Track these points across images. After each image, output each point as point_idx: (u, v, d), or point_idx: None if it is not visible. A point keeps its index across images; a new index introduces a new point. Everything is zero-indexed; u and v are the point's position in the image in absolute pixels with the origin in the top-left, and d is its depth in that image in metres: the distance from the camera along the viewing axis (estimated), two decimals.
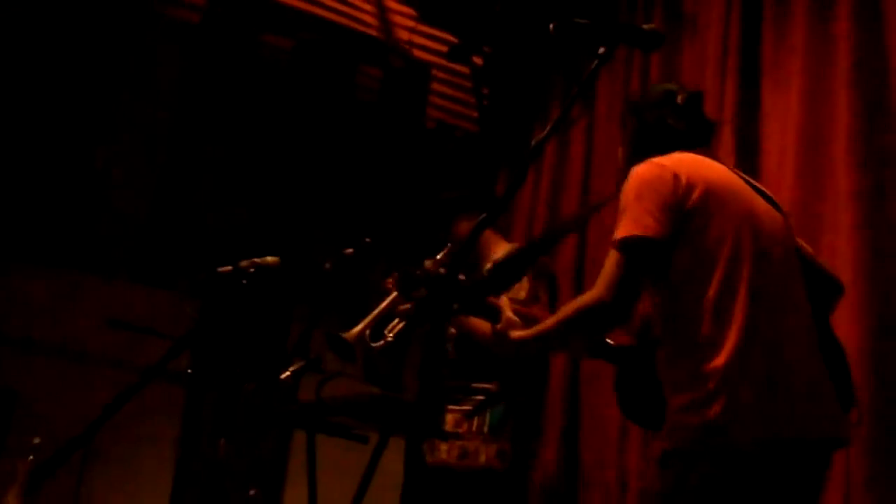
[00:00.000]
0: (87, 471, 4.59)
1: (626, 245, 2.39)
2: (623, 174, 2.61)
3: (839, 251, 3.64)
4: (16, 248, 5.38)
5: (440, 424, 3.64)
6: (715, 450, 2.26)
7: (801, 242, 2.74)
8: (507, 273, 3.17)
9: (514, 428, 3.65)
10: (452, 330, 3.75)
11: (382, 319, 3.41)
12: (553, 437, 4.96)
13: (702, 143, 2.70)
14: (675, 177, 2.42)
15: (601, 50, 2.35)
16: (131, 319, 4.92)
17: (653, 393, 2.52)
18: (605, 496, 4.58)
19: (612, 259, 2.41)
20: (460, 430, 3.65)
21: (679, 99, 2.72)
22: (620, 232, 2.41)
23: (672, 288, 2.42)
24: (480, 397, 3.67)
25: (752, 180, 2.67)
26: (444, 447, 3.63)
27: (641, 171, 2.49)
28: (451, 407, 3.71)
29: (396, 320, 3.53)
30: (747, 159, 4.20)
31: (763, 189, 2.66)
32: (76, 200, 5.70)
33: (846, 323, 3.33)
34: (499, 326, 2.67)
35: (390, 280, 3.75)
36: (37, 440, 4.70)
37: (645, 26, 2.45)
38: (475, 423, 3.65)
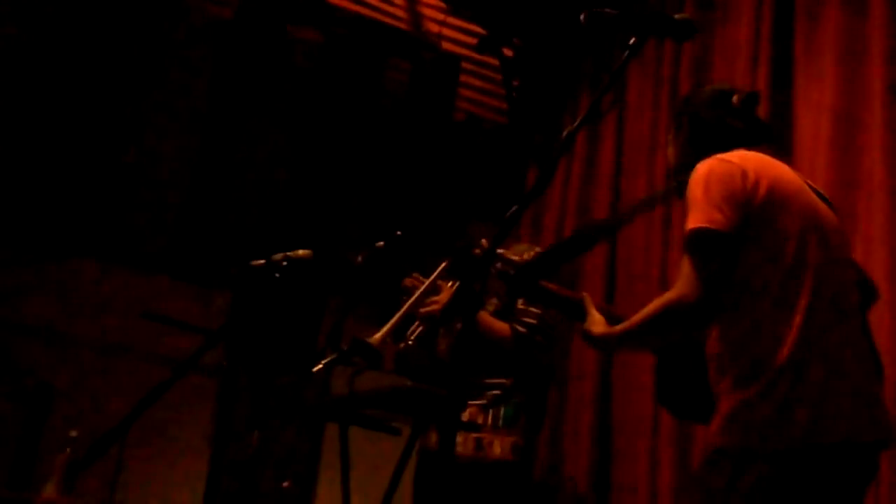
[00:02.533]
0: (123, 464, 4.62)
1: (696, 238, 2.38)
2: (676, 173, 2.60)
3: (874, 241, 3.62)
4: (50, 243, 5.43)
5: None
6: (771, 449, 2.25)
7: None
8: (554, 259, 3.16)
9: (526, 422, 3.69)
10: (458, 326, 3.77)
11: (405, 321, 3.43)
12: (584, 434, 4.96)
13: (760, 142, 2.69)
14: (743, 172, 2.42)
15: (632, 40, 2.34)
16: (165, 313, 4.95)
17: (694, 383, 2.51)
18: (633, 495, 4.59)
19: (686, 258, 2.40)
20: (478, 422, 3.69)
21: (735, 99, 2.72)
22: (689, 224, 2.40)
23: (737, 283, 2.39)
24: (496, 392, 3.70)
25: (811, 183, 2.65)
26: (459, 439, 3.65)
27: (707, 165, 2.48)
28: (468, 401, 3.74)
29: (417, 322, 3.55)
30: (780, 149, 4.17)
31: (821, 192, 2.65)
32: (110, 195, 5.74)
33: (878, 316, 3.28)
34: (584, 324, 2.68)
35: (409, 279, 3.77)
36: (74, 433, 4.76)
37: (677, 16, 2.44)
38: (490, 416, 3.68)
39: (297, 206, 6.21)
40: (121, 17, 5.89)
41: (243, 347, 5.00)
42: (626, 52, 2.34)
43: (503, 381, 3.73)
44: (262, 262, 3.36)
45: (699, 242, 2.38)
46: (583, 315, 2.73)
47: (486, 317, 3.75)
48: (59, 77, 5.64)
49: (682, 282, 2.37)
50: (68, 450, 4.78)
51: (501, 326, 3.72)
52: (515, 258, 2.91)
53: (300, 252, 3.37)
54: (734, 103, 2.71)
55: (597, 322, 2.66)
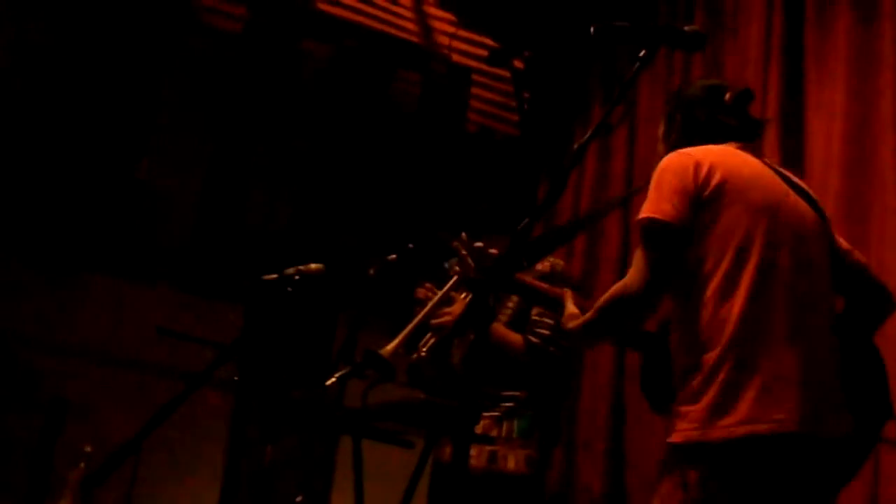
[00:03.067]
0: (138, 478, 4.63)
1: (644, 229, 2.42)
2: None
3: (886, 244, 3.61)
4: (64, 259, 5.45)
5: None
6: (709, 441, 2.25)
7: (855, 252, 2.71)
8: (539, 249, 3.18)
9: (540, 435, 3.68)
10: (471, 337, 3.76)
11: (416, 332, 3.42)
12: (598, 444, 4.95)
13: (749, 139, 2.70)
14: (697, 165, 2.44)
15: (642, 52, 2.35)
16: (178, 328, 4.96)
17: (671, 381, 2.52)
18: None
19: (638, 248, 2.45)
20: (492, 435, 3.67)
21: (727, 96, 2.72)
22: (640, 214, 2.45)
23: (686, 275, 2.42)
24: (510, 404, 3.69)
25: (794, 178, 2.64)
26: (473, 451, 3.64)
27: (668, 158, 2.52)
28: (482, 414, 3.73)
29: (429, 334, 3.54)
30: (793, 157, 4.17)
31: (805, 188, 2.63)
32: (122, 209, 5.76)
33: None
34: (562, 320, 2.74)
35: (421, 290, 3.77)
36: (88, 448, 4.77)
37: (686, 27, 2.45)
38: (504, 428, 3.67)
39: (309, 218, 6.22)
40: (132, 32, 5.92)
41: (256, 362, 5.01)
42: (637, 64, 2.35)
43: (517, 393, 3.71)
44: (275, 276, 3.37)
45: (647, 233, 2.42)
46: (560, 309, 2.78)
47: (499, 328, 3.73)
48: (71, 92, 5.67)
49: (630, 272, 2.43)
50: (82, 464, 4.79)
51: (515, 338, 3.71)
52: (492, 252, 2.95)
53: (312, 266, 3.37)
54: (726, 100, 2.72)
55: (569, 317, 2.71)
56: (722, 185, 2.42)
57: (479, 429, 3.68)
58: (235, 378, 3.92)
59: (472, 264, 3.07)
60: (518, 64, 6.73)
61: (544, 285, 2.97)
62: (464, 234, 3.27)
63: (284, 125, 6.32)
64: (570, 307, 2.74)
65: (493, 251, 3.05)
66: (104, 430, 4.96)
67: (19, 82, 5.52)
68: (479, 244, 3.11)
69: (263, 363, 5.15)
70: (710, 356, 2.31)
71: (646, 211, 2.44)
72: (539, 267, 3.84)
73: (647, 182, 2.53)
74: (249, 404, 5.26)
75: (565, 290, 2.86)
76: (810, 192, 2.64)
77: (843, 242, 2.71)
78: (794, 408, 2.24)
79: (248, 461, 5.16)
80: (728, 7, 4.93)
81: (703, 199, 2.41)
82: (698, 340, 2.35)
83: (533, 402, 3.71)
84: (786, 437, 2.23)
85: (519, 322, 3.77)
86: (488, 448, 3.65)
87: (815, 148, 4.13)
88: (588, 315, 2.57)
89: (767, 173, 2.56)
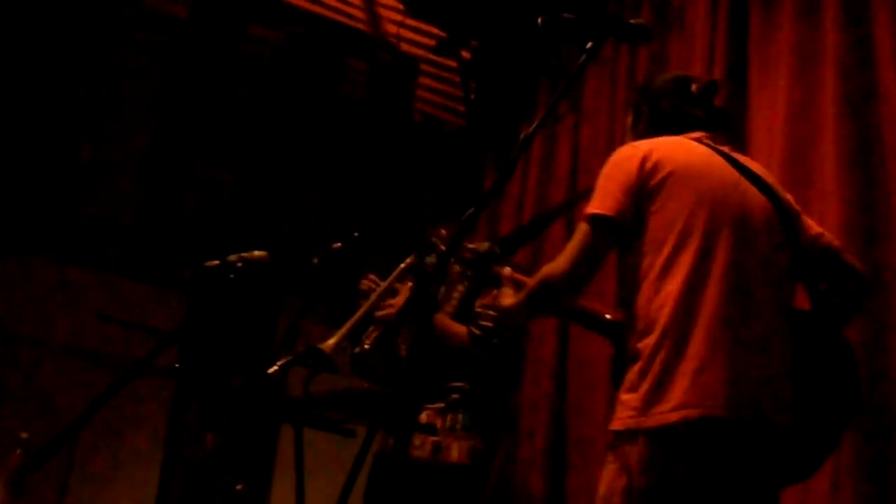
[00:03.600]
0: (74, 465, 4.57)
1: (588, 222, 2.45)
2: None
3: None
4: (3, 243, 5.36)
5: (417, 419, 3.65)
6: (645, 428, 2.28)
7: (826, 235, 2.72)
8: (507, 248, 3.20)
9: (484, 426, 3.68)
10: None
11: (361, 324, 3.41)
12: (539, 435, 4.98)
13: (714, 129, 2.71)
14: (645, 157, 2.46)
15: (589, 44, 2.36)
16: (119, 314, 4.91)
17: None
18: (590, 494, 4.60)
19: (576, 233, 2.46)
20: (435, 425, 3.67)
21: (694, 87, 2.74)
22: (586, 209, 2.47)
23: (628, 266, 2.46)
24: (455, 396, 3.69)
25: (752, 167, 2.65)
26: (416, 442, 3.64)
27: (616, 153, 2.55)
28: (425, 405, 3.72)
29: (372, 327, 3.53)
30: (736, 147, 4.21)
31: (762, 176, 2.63)
32: (63, 194, 5.68)
33: None
34: (493, 299, 2.81)
35: (365, 281, 3.75)
36: (24, 435, 4.70)
37: (632, 20, 2.46)
38: (448, 420, 3.66)
39: (253, 206, 6.17)
40: (76, 15, 5.83)
41: (198, 349, 4.96)
42: (584, 56, 2.36)
43: (462, 384, 3.71)
44: (217, 262, 3.34)
45: (588, 225, 2.44)
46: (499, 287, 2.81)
47: (443, 319, 3.73)
48: (11, 73, 5.57)
49: (561, 255, 2.45)
50: (18, 451, 4.73)
51: (459, 330, 3.71)
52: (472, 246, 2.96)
53: (256, 253, 3.34)
54: (693, 91, 2.74)
55: (504, 295, 2.75)
56: (667, 175, 2.43)
57: (423, 420, 3.67)
58: (176, 365, 3.88)
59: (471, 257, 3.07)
60: (465, 54, 6.77)
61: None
62: (443, 230, 3.28)
63: (229, 112, 6.26)
64: (506, 287, 2.78)
65: (472, 245, 3.05)
66: (41, 416, 4.90)
67: None
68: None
69: (205, 350, 5.11)
70: (648, 343, 2.33)
71: (592, 206, 2.45)
72: (472, 246, 3.85)
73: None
74: (190, 392, 5.22)
75: (505, 268, 2.87)
76: (769, 180, 2.64)
77: (813, 227, 2.71)
78: (725, 392, 2.25)
79: (188, 449, 5.12)
80: (675, 2, 4.96)
81: (647, 190, 2.42)
82: (639, 328, 2.38)
83: (477, 394, 3.71)
84: (717, 421, 2.25)
85: (463, 314, 3.77)
86: (432, 439, 3.65)
87: (757, 140, 4.18)
88: (518, 297, 2.60)
89: (718, 162, 2.56)
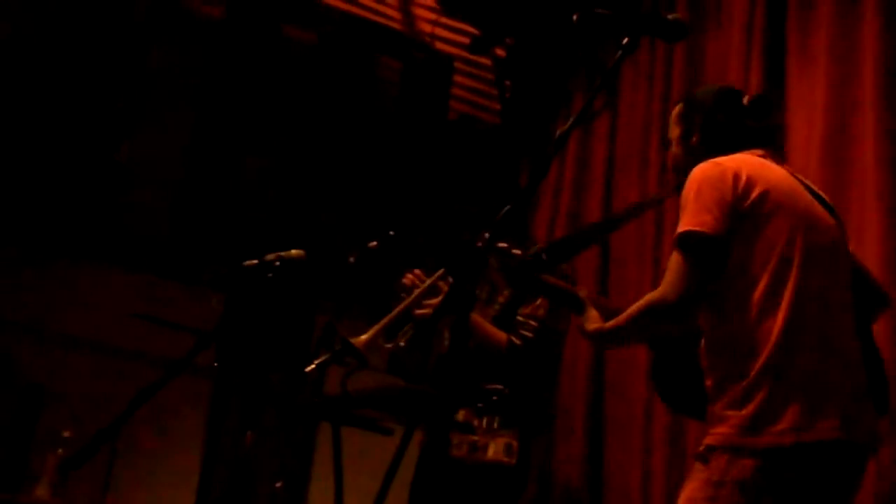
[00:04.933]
0: (115, 463, 4.61)
1: (685, 241, 2.43)
2: (683, 173, 2.62)
3: (866, 242, 3.61)
4: (41, 243, 5.41)
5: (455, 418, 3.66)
6: (753, 447, 2.28)
7: (857, 255, 2.74)
8: (559, 254, 3.18)
9: (522, 425, 3.68)
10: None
11: (399, 321, 3.42)
12: (577, 438, 4.97)
13: (769, 143, 2.73)
14: (736, 176, 2.46)
15: (625, 40, 2.36)
16: (157, 313, 4.93)
17: (691, 380, 2.53)
18: (626, 498, 4.60)
19: (674, 258, 2.45)
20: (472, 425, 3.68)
21: (746, 100, 2.75)
22: (679, 227, 2.46)
23: (725, 284, 2.44)
24: (494, 397, 3.69)
25: (810, 184, 2.67)
26: (454, 441, 3.65)
27: (702, 169, 2.52)
28: (462, 405, 3.73)
29: (409, 325, 3.54)
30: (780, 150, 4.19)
31: (821, 194, 2.66)
32: (101, 195, 5.72)
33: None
34: (581, 320, 2.75)
35: (409, 276, 3.76)
36: (65, 434, 4.75)
37: (669, 16, 2.46)
38: (485, 420, 3.67)
39: (290, 205, 6.20)
40: (114, 17, 5.88)
41: (236, 348, 4.99)
42: (619, 52, 2.35)
43: (500, 387, 3.71)
44: (255, 261, 3.36)
45: (687, 244, 2.43)
46: (581, 309, 2.77)
47: (483, 323, 3.73)
48: (51, 75, 5.63)
49: (666, 281, 2.43)
50: (60, 450, 4.78)
51: (498, 336, 3.71)
52: (517, 252, 2.94)
53: (293, 252, 3.36)
54: (745, 104, 2.74)
55: (591, 319, 2.71)
56: (763, 196, 2.44)
57: (460, 419, 3.68)
58: (215, 364, 3.91)
59: (497, 264, 3.06)
60: (500, 52, 6.76)
61: (567, 285, 2.96)
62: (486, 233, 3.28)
63: (266, 112, 6.29)
64: (591, 309, 2.74)
65: (516, 251, 3.04)
66: (82, 415, 4.94)
67: None
68: (503, 244, 3.10)
69: (243, 349, 5.14)
70: (754, 364, 2.34)
71: (685, 223, 2.44)
72: (517, 252, 3.85)
73: (667, 186, 2.55)
74: (229, 391, 5.25)
75: (582, 289, 2.87)
76: (827, 199, 2.68)
77: (855, 253, 2.75)
78: (837, 416, 2.29)
79: (228, 447, 5.15)
80: None
81: (743, 210, 2.43)
82: (741, 349, 2.38)
83: (515, 396, 3.71)
84: (830, 444, 2.28)
85: (505, 319, 3.77)
86: (469, 438, 3.66)
87: (796, 140, 4.14)
88: (618, 320, 2.59)
89: (794, 182, 2.59)
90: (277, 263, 3.28)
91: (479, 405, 3.67)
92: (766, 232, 2.42)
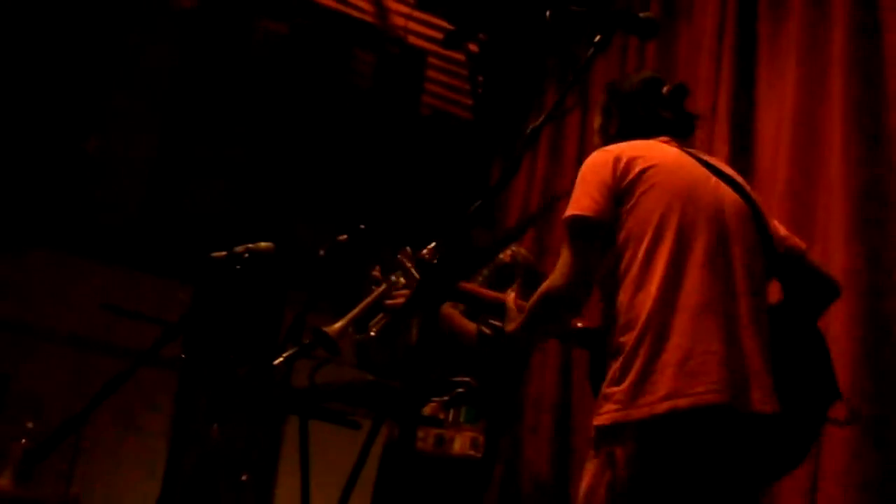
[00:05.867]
0: (80, 454, 4.59)
1: (569, 226, 2.46)
2: None
3: (831, 239, 3.64)
4: (10, 233, 5.36)
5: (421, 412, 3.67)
6: (633, 419, 2.27)
7: (792, 238, 2.74)
8: (475, 261, 3.20)
9: (488, 419, 3.69)
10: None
11: (369, 311, 3.41)
12: (544, 430, 4.99)
13: (684, 134, 2.73)
14: (616, 159, 2.48)
15: (597, 37, 2.36)
16: (125, 304, 4.91)
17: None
18: None
19: (563, 245, 2.47)
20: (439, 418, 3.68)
21: (665, 90, 2.75)
22: (565, 213, 2.48)
23: (607, 265, 2.46)
24: (460, 389, 3.70)
25: (721, 166, 2.67)
26: (421, 434, 3.65)
27: (589, 158, 2.56)
28: (430, 398, 3.74)
29: (381, 315, 3.54)
30: (743, 148, 4.21)
31: (732, 175, 2.65)
32: (70, 186, 5.68)
33: (834, 313, 3.29)
34: (500, 322, 2.75)
35: (377, 270, 3.75)
36: (29, 424, 4.71)
37: (641, 14, 2.47)
38: (451, 413, 3.68)
39: (259, 197, 6.18)
40: (84, 8, 5.83)
41: (203, 340, 4.97)
42: (592, 49, 2.35)
43: (468, 379, 3.72)
44: (224, 253, 3.34)
45: (570, 229, 2.45)
46: (503, 314, 2.78)
47: (454, 314, 3.73)
48: (21, 65, 5.58)
49: (555, 269, 2.45)
50: (24, 440, 4.74)
51: (469, 326, 3.72)
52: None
53: (262, 244, 3.35)
54: (664, 94, 2.74)
55: (510, 320, 2.72)
56: (639, 174, 2.46)
57: (427, 412, 3.68)
58: (182, 356, 3.89)
59: (418, 276, 3.07)
60: (473, 47, 6.77)
61: (489, 293, 2.98)
62: (408, 247, 3.28)
63: (236, 103, 6.27)
64: (512, 312, 2.73)
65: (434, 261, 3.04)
66: (47, 406, 4.91)
67: None
68: (423, 253, 3.10)
69: (210, 341, 5.12)
70: (630, 337, 2.33)
71: (569, 209, 2.47)
72: (501, 256, 3.87)
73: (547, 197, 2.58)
74: (195, 382, 5.23)
75: (507, 292, 2.87)
76: (738, 179, 2.66)
77: (780, 228, 2.74)
78: (713, 381, 2.26)
79: (193, 439, 5.13)
80: None
81: (622, 189, 2.45)
82: (621, 323, 2.39)
83: (482, 389, 3.72)
84: (706, 409, 2.25)
85: (473, 316, 3.78)
86: (435, 431, 3.66)
87: (764, 136, 4.17)
88: (522, 317, 2.59)
89: (687, 161, 2.59)
90: (246, 255, 3.26)
91: (446, 398, 3.68)
92: (642, 208, 2.43)
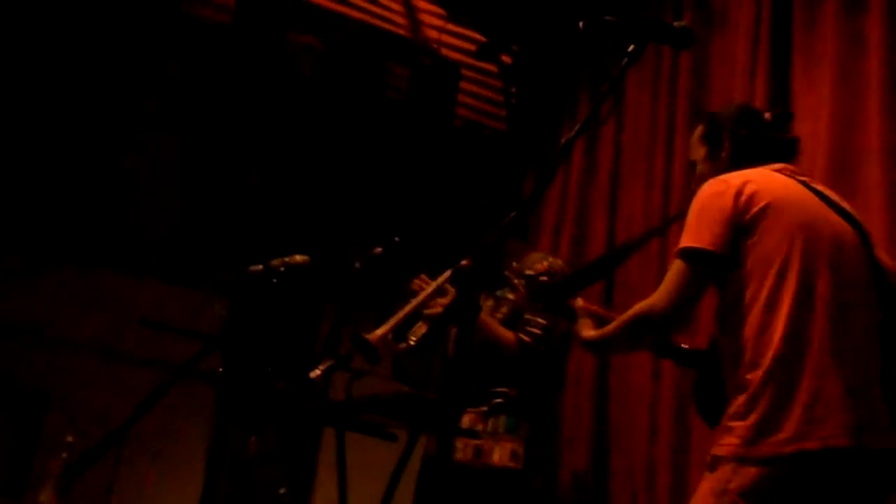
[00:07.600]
0: (119, 469, 4.62)
1: (682, 256, 2.47)
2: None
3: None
4: (48, 249, 5.41)
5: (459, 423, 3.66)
6: (756, 457, 2.29)
7: (886, 259, 2.72)
8: (583, 278, 3.21)
9: (528, 430, 3.68)
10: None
11: (407, 321, 3.42)
12: (582, 441, 4.96)
13: (791, 155, 2.77)
14: (737, 192, 2.49)
15: (630, 47, 2.36)
16: (162, 319, 4.94)
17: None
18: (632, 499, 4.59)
19: (672, 269, 2.49)
20: (477, 429, 3.68)
21: (768, 116, 2.80)
22: (681, 243, 2.49)
23: (728, 298, 2.48)
24: (498, 400, 3.69)
25: (833, 196, 2.67)
26: (459, 445, 3.64)
27: (706, 186, 2.57)
28: (468, 408, 3.73)
29: (420, 323, 3.54)
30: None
31: (844, 206, 2.65)
32: (107, 201, 5.73)
33: None
34: (574, 327, 2.81)
35: (416, 281, 3.76)
36: (69, 439, 4.74)
37: (675, 23, 2.46)
38: (490, 424, 3.67)
39: (295, 211, 6.20)
40: (120, 23, 5.89)
41: (240, 353, 4.99)
42: (625, 60, 2.35)
43: (506, 389, 3.71)
44: (260, 267, 3.36)
45: (685, 259, 2.47)
46: (574, 317, 2.84)
47: (492, 323, 3.74)
48: (57, 82, 5.64)
49: (657, 292, 2.48)
50: (64, 455, 4.77)
51: (507, 335, 3.72)
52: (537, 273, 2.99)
53: (298, 258, 3.36)
54: (767, 119, 2.78)
55: (584, 326, 2.77)
56: (763, 209, 2.47)
57: (465, 423, 3.68)
58: (219, 370, 3.91)
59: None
60: (506, 58, 6.76)
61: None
62: (514, 263, 3.29)
63: (272, 117, 6.30)
64: (585, 318, 2.79)
65: (543, 278, 3.07)
66: (86, 421, 4.94)
67: (5, 72, 5.48)
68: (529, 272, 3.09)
69: (247, 355, 5.14)
70: (756, 375, 2.35)
71: (688, 239, 2.48)
72: (537, 266, 3.87)
73: (684, 209, 2.57)
74: (233, 396, 5.25)
75: (578, 298, 2.90)
76: (850, 209, 2.67)
77: (887, 261, 2.71)
78: (841, 423, 2.28)
79: (231, 453, 5.14)
80: (717, 4, 4.92)
81: (744, 224, 2.46)
82: (744, 360, 2.40)
83: (521, 399, 3.71)
84: (834, 452, 2.27)
85: (512, 323, 3.78)
86: (473, 442, 3.66)
87: (801, 147, 4.13)
88: (610, 328, 2.63)
89: (804, 193, 2.60)
90: (282, 269, 3.28)
91: (485, 408, 3.67)
92: (765, 243, 2.44)
